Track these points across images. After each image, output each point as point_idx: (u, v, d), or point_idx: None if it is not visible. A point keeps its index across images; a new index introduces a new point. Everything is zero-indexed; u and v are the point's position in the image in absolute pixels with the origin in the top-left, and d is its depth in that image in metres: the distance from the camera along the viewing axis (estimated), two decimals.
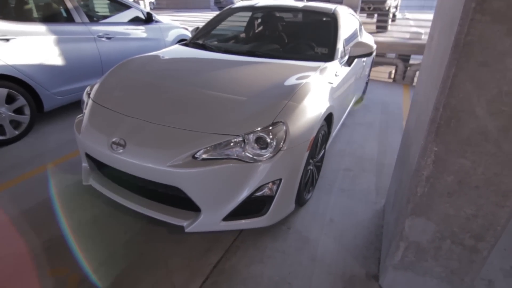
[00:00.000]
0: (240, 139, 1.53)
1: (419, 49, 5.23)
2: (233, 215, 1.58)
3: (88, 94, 2.05)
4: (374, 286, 1.56)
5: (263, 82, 1.93)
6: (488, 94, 0.98)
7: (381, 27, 6.28)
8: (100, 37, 3.54)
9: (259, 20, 3.23)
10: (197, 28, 3.24)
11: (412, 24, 9.63)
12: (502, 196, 1.09)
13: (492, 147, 1.04)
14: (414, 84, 5.77)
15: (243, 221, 1.61)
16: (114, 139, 1.60)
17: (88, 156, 1.87)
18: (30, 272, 1.58)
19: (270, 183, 1.57)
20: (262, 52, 2.50)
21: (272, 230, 1.87)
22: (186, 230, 1.60)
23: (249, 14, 3.28)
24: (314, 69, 2.12)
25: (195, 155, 1.50)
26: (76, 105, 3.74)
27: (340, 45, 2.47)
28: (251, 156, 1.52)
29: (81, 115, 2.01)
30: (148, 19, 4.22)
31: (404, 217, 1.31)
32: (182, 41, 4.76)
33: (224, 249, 1.74)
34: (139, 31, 4.11)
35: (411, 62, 6.28)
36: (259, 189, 1.56)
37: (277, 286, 1.54)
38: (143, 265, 1.63)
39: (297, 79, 1.93)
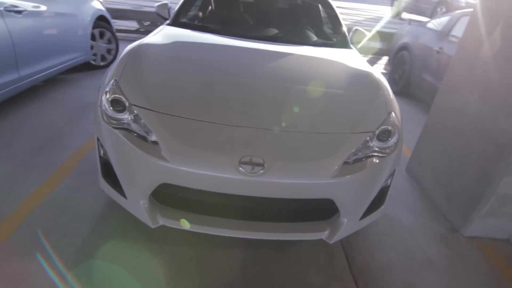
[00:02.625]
0: (371, 134, 1.47)
1: None
2: (366, 212, 1.54)
3: (115, 102, 1.41)
4: (457, 236, 1.90)
5: (333, 71, 1.86)
6: None
7: None
8: (8, 10, 2.35)
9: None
10: (166, 4, 2.64)
11: None
12: None
13: None
14: None
15: (370, 215, 1.59)
16: (243, 159, 1.22)
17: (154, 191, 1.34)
18: None
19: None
20: (287, 38, 2.32)
21: None
22: (332, 241, 1.45)
23: None
24: (354, 56, 2.18)
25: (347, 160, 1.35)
26: None
27: (346, 31, 2.59)
28: (378, 149, 1.50)
29: (123, 130, 1.38)
30: None
31: (501, 176, 1.65)
32: (101, 18, 3.77)
33: (340, 248, 1.69)
34: (54, 4, 2.95)
35: None
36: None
37: (409, 265, 1.65)
38: None
39: (361, 67, 1.95)
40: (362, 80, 1.79)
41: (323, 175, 1.28)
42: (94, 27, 3.69)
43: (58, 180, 1.94)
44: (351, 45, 2.46)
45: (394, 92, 1.80)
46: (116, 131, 1.38)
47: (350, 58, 2.11)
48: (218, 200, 1.35)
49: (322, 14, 2.92)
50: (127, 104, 1.41)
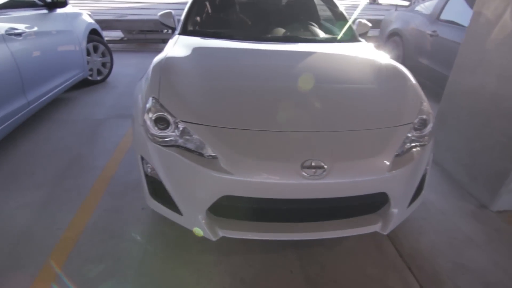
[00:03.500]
0: (411, 125, 1.53)
1: None
2: (411, 200, 1.60)
3: (159, 119, 1.40)
4: (487, 212, 2.00)
5: (359, 66, 1.90)
6: None
7: None
8: (9, 34, 2.25)
9: (245, 1, 2.93)
10: (170, 13, 2.61)
11: None
12: None
13: None
14: None
15: (415, 202, 1.64)
16: (305, 163, 1.25)
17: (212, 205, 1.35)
18: None
19: None
20: (300, 37, 2.36)
21: None
22: (387, 232, 1.49)
23: None
24: (369, 49, 2.23)
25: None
26: None
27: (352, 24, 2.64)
28: (416, 139, 1.56)
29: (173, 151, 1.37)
30: (54, 3, 2.94)
31: None
32: (92, 32, 3.67)
33: (386, 238, 1.75)
34: (49, 23, 2.85)
35: None
36: None
37: (452, 245, 1.74)
38: None
39: (380, 59, 2.00)
40: (388, 72, 1.84)
41: (380, 170, 1.33)
42: (87, 41, 3.59)
43: (93, 204, 1.90)
44: (360, 38, 2.52)
45: None
46: (167, 149, 1.38)
47: (367, 51, 2.17)
48: (277, 205, 1.37)
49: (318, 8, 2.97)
50: (172, 120, 1.41)
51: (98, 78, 3.94)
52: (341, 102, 1.58)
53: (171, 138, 1.40)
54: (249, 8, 2.96)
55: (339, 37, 2.48)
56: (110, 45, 4.67)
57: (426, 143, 1.55)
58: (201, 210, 1.38)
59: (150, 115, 1.44)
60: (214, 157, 1.31)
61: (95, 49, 3.81)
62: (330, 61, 2.00)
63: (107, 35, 6.11)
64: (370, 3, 9.81)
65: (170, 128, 1.41)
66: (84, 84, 3.79)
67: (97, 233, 1.69)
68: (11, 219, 1.76)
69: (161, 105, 1.45)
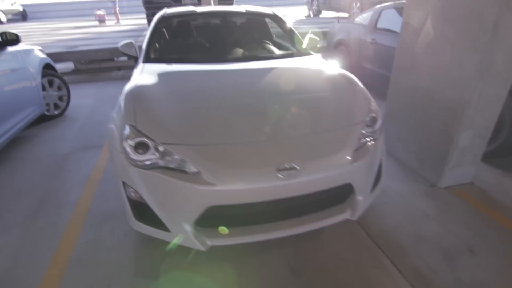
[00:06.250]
0: (363, 123, 1.76)
1: None
2: (373, 187, 1.81)
3: (138, 145, 1.48)
4: (437, 189, 2.31)
5: (313, 77, 2.14)
6: None
7: None
8: None
9: (202, 26, 3.09)
10: (131, 43, 2.69)
11: None
12: None
13: None
14: None
15: (376, 188, 1.85)
16: (279, 167, 1.41)
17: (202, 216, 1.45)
18: None
19: None
20: (257, 55, 2.57)
21: None
22: (356, 218, 1.68)
23: (185, 20, 3.04)
24: (320, 60, 2.50)
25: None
26: None
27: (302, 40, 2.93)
28: (369, 134, 1.80)
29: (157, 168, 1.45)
30: (4, 42, 2.86)
31: (459, 133, 2.09)
32: (47, 66, 3.60)
33: (356, 224, 1.95)
34: (1, 62, 2.76)
35: None
36: None
37: (412, 221, 1.99)
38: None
39: (330, 69, 2.26)
40: (338, 79, 2.10)
41: (343, 164, 1.53)
42: (42, 76, 3.49)
43: (73, 238, 1.87)
44: (311, 52, 2.80)
45: None
46: (150, 171, 1.46)
47: (318, 63, 2.43)
48: (258, 208, 1.50)
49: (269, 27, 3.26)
50: (151, 144, 1.49)
51: (56, 112, 3.82)
52: (302, 110, 1.77)
53: (153, 161, 1.48)
54: (206, 31, 3.15)
55: (292, 52, 2.74)
56: (64, 77, 4.56)
57: (378, 137, 1.80)
58: (189, 223, 1.47)
59: (130, 141, 1.51)
60: (197, 173, 1.42)
61: (50, 83, 3.72)
62: (288, 75, 2.21)
63: (59, 67, 5.92)
64: (307, 17, 10.54)
65: (149, 151, 1.49)
66: (41, 119, 3.65)
67: (82, 264, 1.68)
68: None
69: (139, 131, 1.53)
